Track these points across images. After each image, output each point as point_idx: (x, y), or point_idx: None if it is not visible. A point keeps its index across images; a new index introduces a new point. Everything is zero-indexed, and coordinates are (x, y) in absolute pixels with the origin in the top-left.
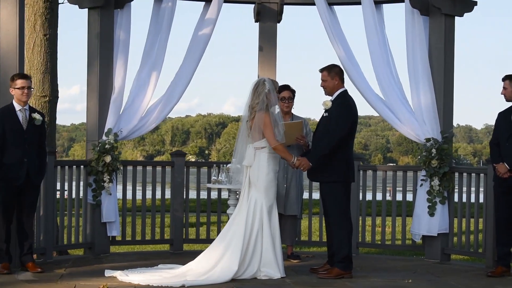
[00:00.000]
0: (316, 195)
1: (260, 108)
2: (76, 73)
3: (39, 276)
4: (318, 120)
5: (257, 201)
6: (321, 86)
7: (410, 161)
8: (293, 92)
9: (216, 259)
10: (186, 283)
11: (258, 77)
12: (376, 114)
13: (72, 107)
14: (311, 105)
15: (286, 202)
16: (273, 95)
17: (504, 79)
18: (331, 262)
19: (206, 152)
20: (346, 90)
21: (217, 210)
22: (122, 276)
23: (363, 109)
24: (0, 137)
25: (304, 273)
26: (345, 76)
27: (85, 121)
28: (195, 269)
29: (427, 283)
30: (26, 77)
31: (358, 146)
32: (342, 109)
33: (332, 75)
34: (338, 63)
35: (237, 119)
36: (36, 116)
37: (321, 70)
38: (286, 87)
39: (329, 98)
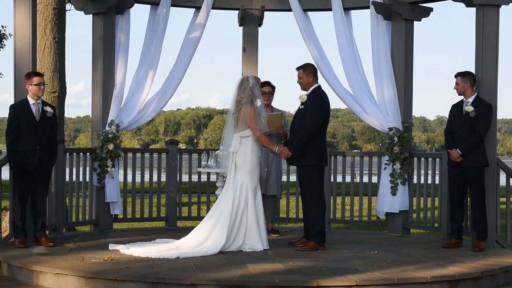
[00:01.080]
0: (293, 178)
1: (245, 101)
2: (81, 72)
3: (51, 249)
4: (294, 112)
5: (243, 183)
6: (297, 82)
7: (373, 148)
8: (273, 87)
9: (206, 234)
10: (180, 255)
11: (242, 75)
12: (343, 107)
13: (78, 102)
14: (288, 98)
15: (267, 184)
16: (257, 89)
17: (456, 76)
18: (307, 236)
19: (195, 140)
20: (319, 86)
21: (206, 191)
22: (124, 249)
23: (332, 102)
24: (16, 128)
25: (283, 246)
26: (318, 73)
27: (89, 114)
28: (188, 243)
29: (390, 253)
30: (41, 75)
31: (328, 135)
32: (316, 102)
33: (307, 72)
34: (312, 62)
35: (222, 112)
36: (48, 109)
37: (298, 68)
38: (267, 83)
39: (305, 92)
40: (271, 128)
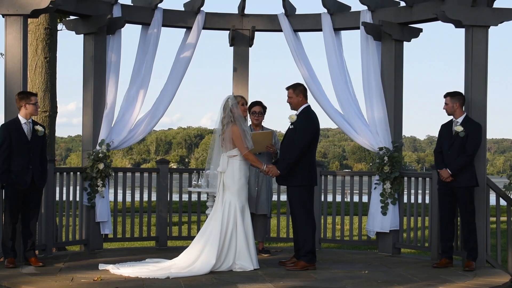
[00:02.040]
0: (283, 197)
1: (227, 121)
2: (72, 91)
3: (40, 269)
4: (284, 132)
5: (231, 203)
6: (287, 102)
7: (363, 168)
8: (264, 107)
9: (197, 254)
10: (170, 275)
11: (232, 94)
12: (333, 127)
13: (69, 121)
14: (279, 118)
15: (257, 203)
16: (236, 109)
17: (445, 96)
18: (297, 256)
19: (186, 160)
20: (309, 106)
21: (197, 211)
22: (114, 269)
23: (323, 122)
24: (8, 147)
25: (274, 266)
26: (308, 93)
27: (80, 133)
28: (178, 263)
29: (380, 273)
30: (36, 95)
31: (318, 154)
32: (305, 122)
33: (297, 92)
34: (302, 81)
35: (212, 132)
36: (39, 128)
37: (287, 88)
38: (257, 103)
39: (295, 112)
40: (261, 146)
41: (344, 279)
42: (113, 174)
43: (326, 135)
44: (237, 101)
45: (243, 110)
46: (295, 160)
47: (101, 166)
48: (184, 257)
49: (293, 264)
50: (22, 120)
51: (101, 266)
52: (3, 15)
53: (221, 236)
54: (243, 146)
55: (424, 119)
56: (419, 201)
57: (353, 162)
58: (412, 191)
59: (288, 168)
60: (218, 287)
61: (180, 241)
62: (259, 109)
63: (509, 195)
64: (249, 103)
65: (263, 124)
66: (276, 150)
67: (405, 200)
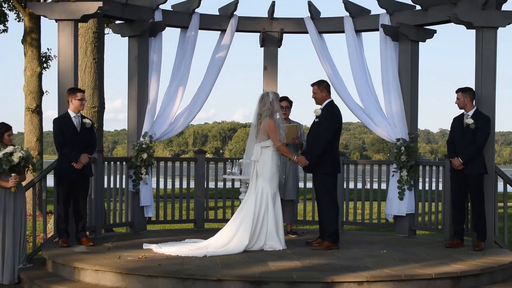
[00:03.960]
0: (309, 184)
1: (266, 114)
2: (119, 89)
3: (91, 248)
4: (310, 125)
5: (263, 189)
6: (312, 97)
7: (381, 157)
8: (290, 102)
9: (231, 234)
10: (207, 254)
11: (263, 91)
12: (354, 121)
13: (115, 116)
14: (305, 113)
15: (285, 189)
16: (276, 104)
17: (457, 91)
18: (322, 236)
19: (221, 151)
20: (332, 100)
21: (231, 197)
22: (156, 248)
23: (345, 116)
24: (62, 135)
25: (301, 246)
26: (332, 89)
27: (125, 127)
28: (214, 243)
29: (398, 252)
30: (83, 91)
31: (340, 146)
32: (329, 116)
33: (321, 88)
34: (326, 78)
35: (244, 126)
36: (87, 121)
37: (312, 85)
38: (285, 98)
39: (319, 107)
40: (288, 138)
41: (364, 258)
42: (155, 163)
43: (348, 128)
44: (276, 97)
45: (278, 105)
46: (321, 151)
47: (145, 155)
48: (220, 237)
49: (318, 244)
50: (72, 114)
51: (145, 246)
52: (56, 20)
53: (254, 219)
54: (277, 139)
55: (437, 113)
56: (433, 187)
57: (372, 153)
58: (427, 178)
59: (316, 158)
60: (250, 264)
61: (216, 224)
62: (286, 103)
63: None
64: None
65: (290, 117)
66: (302, 142)
67: (420, 187)
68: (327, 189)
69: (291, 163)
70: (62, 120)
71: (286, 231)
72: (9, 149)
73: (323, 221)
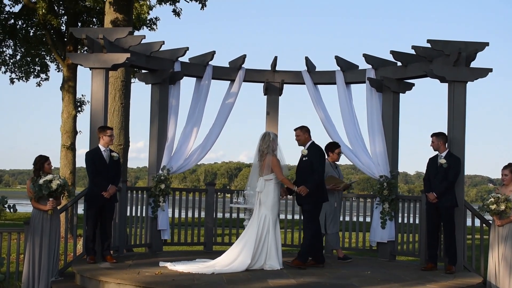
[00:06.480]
0: None
1: (267, 151)
2: (141, 132)
3: (114, 265)
4: (297, 162)
5: (266, 216)
6: (296, 139)
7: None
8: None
9: (236, 255)
10: (215, 271)
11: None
12: (343, 163)
13: (138, 156)
14: (290, 152)
15: (335, 221)
16: (275, 143)
17: (432, 136)
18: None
19: (228, 187)
20: (313, 141)
21: (236, 225)
22: (171, 266)
23: None
24: (95, 167)
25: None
26: (323, 131)
27: (146, 165)
28: (221, 261)
29: (380, 273)
30: (112, 129)
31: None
32: (318, 154)
33: (303, 131)
34: (319, 123)
35: (249, 165)
36: (114, 154)
37: (296, 129)
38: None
39: (304, 148)
40: (328, 183)
41: (351, 277)
42: (172, 193)
43: None
44: (276, 137)
45: (276, 144)
46: (319, 181)
47: (163, 186)
48: (226, 257)
49: (291, 262)
50: (102, 148)
51: (161, 264)
52: (90, 68)
53: (256, 242)
54: (281, 172)
55: (414, 157)
56: (411, 218)
57: (358, 191)
58: (406, 214)
59: (315, 187)
60: (252, 281)
61: (223, 246)
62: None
63: (482, 215)
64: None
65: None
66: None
67: (400, 220)
68: (314, 216)
69: (340, 197)
70: (93, 153)
71: (338, 257)
72: (49, 177)
73: (305, 242)
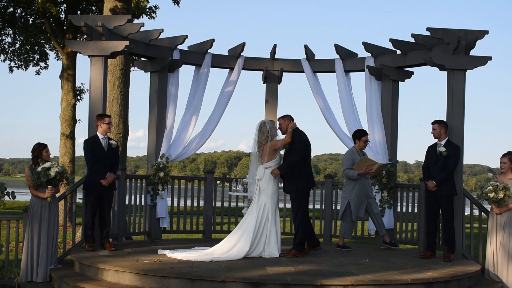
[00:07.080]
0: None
1: (266, 142)
2: (141, 120)
3: (113, 253)
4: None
5: (266, 204)
6: (278, 128)
7: None
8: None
9: (234, 242)
10: (213, 259)
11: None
12: (343, 152)
13: (137, 144)
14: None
15: (374, 206)
16: (274, 130)
17: (433, 123)
18: (310, 244)
19: (227, 176)
20: (297, 127)
21: (235, 214)
22: (170, 253)
23: (334, 148)
24: (93, 155)
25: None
26: (323, 119)
27: (146, 154)
28: (219, 249)
29: (378, 261)
30: (110, 116)
31: (330, 174)
32: (297, 140)
33: (285, 119)
34: (319, 112)
35: (248, 154)
36: (113, 142)
37: (278, 119)
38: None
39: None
40: (361, 166)
41: (350, 265)
42: (171, 181)
43: (337, 158)
44: (273, 124)
45: (276, 130)
46: (291, 165)
47: (162, 174)
48: (224, 244)
49: (286, 252)
50: (100, 136)
51: (160, 251)
52: (89, 56)
53: (255, 230)
54: (283, 140)
55: (413, 146)
56: (410, 207)
57: None
58: (404, 203)
59: (286, 170)
60: (251, 268)
61: (221, 234)
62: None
63: (481, 203)
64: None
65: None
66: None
67: (399, 209)
68: (300, 204)
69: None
70: (91, 141)
71: (385, 242)
72: (47, 164)
73: (297, 232)
